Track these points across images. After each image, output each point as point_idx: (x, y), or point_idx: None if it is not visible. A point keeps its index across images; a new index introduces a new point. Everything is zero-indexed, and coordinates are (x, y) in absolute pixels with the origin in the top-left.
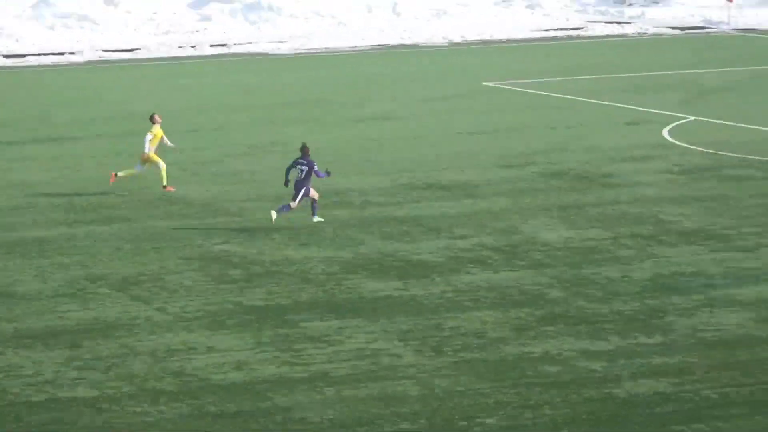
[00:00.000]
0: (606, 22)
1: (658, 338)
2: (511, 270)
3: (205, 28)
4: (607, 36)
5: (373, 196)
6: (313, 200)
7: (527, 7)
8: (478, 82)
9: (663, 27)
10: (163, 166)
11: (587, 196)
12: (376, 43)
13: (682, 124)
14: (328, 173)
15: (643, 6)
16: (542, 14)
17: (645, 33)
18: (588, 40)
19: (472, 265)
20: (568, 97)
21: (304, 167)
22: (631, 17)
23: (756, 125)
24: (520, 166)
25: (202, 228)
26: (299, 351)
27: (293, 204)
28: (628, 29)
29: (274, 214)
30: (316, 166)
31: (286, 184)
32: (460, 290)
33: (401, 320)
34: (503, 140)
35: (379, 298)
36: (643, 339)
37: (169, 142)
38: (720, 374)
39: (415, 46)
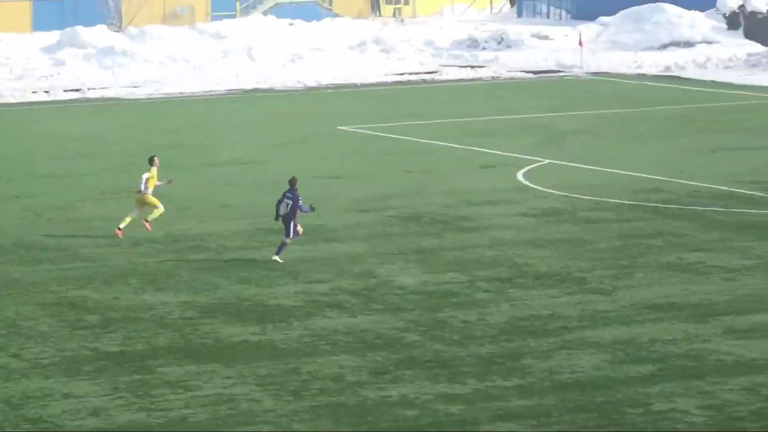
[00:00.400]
0: (460, 66)
1: (515, 381)
2: (368, 314)
3: (59, 73)
4: (461, 80)
5: (230, 240)
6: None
7: (381, 51)
8: (333, 126)
9: (516, 71)
10: (161, 208)
11: (444, 239)
12: (232, 88)
13: (536, 167)
14: (312, 208)
15: (497, 50)
16: (397, 58)
17: (499, 77)
18: (442, 84)
19: (329, 309)
20: (424, 141)
21: (289, 201)
22: (485, 61)
23: (609, 168)
24: (376, 210)
25: (57, 273)
26: (156, 397)
27: (287, 239)
28: (482, 73)
29: (277, 258)
30: (300, 201)
31: (276, 218)
32: (317, 334)
33: (259, 364)
34: (359, 184)
35: (236, 343)
36: (500, 382)
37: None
38: (576, 416)
39: (270, 90)
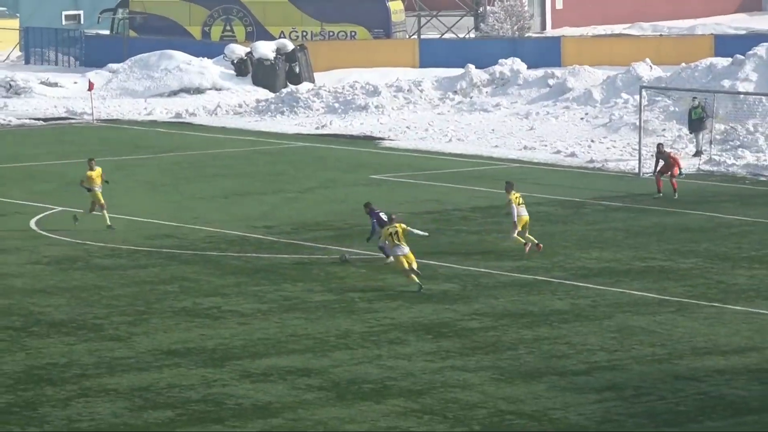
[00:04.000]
0: None
1: (33, 429)
2: None
3: None
4: None
5: None
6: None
7: None
8: None
9: (26, 118)
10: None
11: None
12: None
13: (49, 214)
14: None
15: (5, 97)
16: None
17: (9, 123)
18: None
19: None
20: None
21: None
22: None
23: (123, 215)
24: None
25: None
26: None
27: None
28: None
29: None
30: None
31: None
32: None
33: None
34: None
35: None
36: (17, 430)
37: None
38: None
39: None
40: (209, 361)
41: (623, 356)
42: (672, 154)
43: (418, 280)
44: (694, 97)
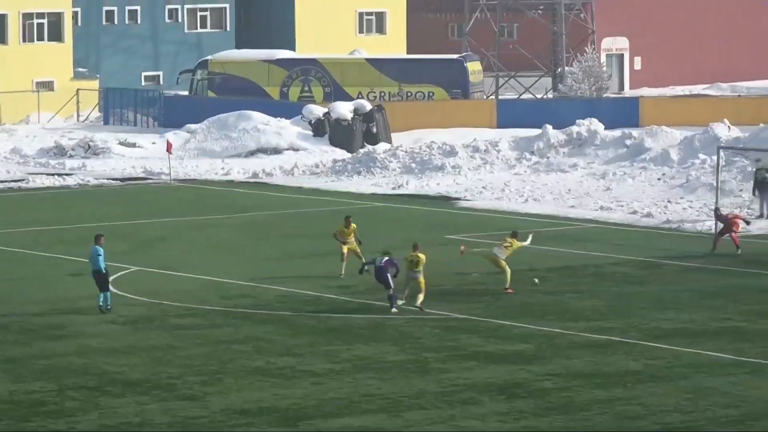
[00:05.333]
0: (47, 174)
1: None
2: None
3: None
4: (49, 188)
5: None
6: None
7: None
8: None
9: (103, 178)
10: None
11: (32, 348)
12: None
13: (125, 274)
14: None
15: (84, 158)
16: None
17: (87, 184)
18: (29, 192)
19: None
20: (11, 249)
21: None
22: (71, 168)
23: (198, 274)
24: None
25: None
26: None
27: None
28: (70, 180)
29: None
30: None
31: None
32: None
33: None
34: None
35: None
36: None
37: None
38: None
39: None
40: (282, 420)
41: (698, 417)
42: (730, 215)
43: (403, 300)
44: (758, 159)
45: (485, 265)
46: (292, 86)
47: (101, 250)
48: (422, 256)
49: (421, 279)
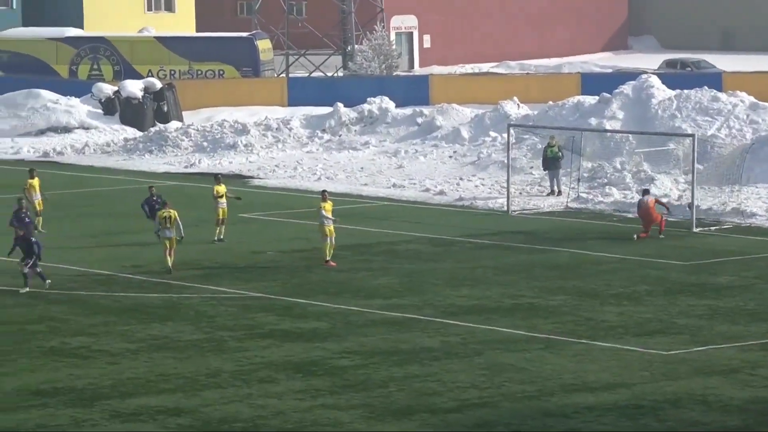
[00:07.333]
0: None
1: None
2: None
3: None
4: None
5: None
6: None
7: None
8: None
9: None
10: None
11: None
12: None
13: None
14: None
15: None
16: None
17: None
18: None
19: None
20: None
21: None
22: None
23: None
24: None
25: None
26: None
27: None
28: None
29: None
30: None
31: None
32: None
33: None
34: None
35: None
36: None
37: None
38: None
39: None
40: (78, 401)
41: (494, 393)
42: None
43: (170, 264)
44: (552, 136)
45: (281, 242)
46: (81, 64)
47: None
48: (174, 213)
49: (173, 239)
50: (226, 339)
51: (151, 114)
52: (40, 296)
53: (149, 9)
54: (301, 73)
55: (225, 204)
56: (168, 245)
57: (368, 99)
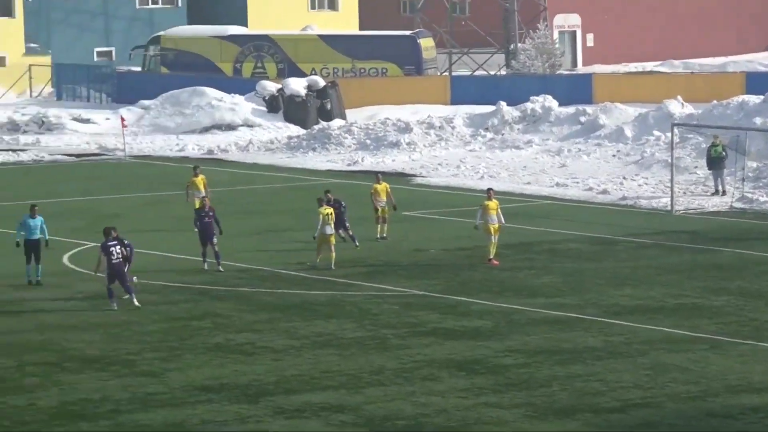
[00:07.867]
0: (1, 150)
1: None
2: None
3: None
4: (4, 163)
5: None
6: None
7: None
8: None
9: (58, 154)
10: None
11: None
12: None
13: (82, 250)
14: None
15: (38, 133)
16: None
17: (42, 159)
18: None
19: None
20: None
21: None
22: (26, 144)
23: (153, 250)
24: None
25: None
26: None
27: None
28: (24, 156)
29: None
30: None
31: None
32: None
33: None
34: None
35: None
36: None
37: None
38: None
39: None
40: (243, 397)
41: (657, 393)
42: None
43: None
44: (716, 136)
45: (444, 240)
46: (245, 62)
47: (39, 221)
48: (332, 212)
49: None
50: (389, 337)
51: (314, 112)
52: (203, 292)
53: (312, 7)
54: (463, 72)
55: (384, 203)
56: (331, 241)
57: (531, 98)
